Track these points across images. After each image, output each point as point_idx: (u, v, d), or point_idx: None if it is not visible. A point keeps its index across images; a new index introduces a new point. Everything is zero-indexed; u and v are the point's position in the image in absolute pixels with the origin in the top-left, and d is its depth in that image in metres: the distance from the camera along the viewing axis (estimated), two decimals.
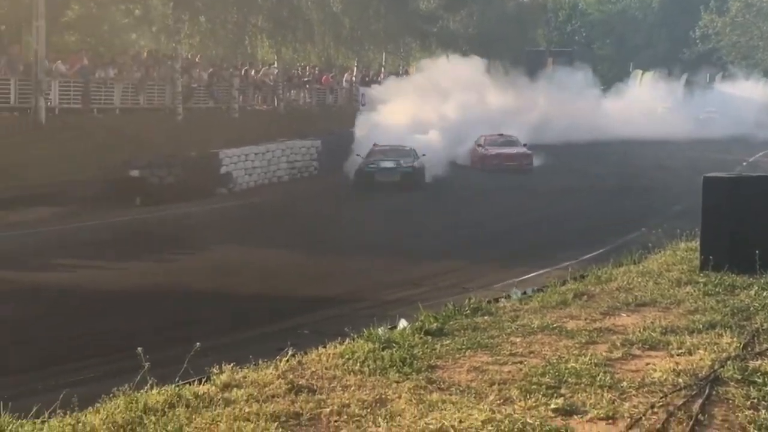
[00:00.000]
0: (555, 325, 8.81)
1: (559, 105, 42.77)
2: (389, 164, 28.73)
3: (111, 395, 6.45)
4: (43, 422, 6.05)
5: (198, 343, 7.07)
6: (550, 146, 35.50)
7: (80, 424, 5.96)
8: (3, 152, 23.20)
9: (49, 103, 27.22)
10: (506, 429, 5.87)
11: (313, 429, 6.00)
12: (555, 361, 7.52)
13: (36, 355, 10.25)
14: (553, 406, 6.37)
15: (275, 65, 39.18)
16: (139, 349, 6.71)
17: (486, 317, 9.35)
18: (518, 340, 8.31)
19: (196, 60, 35.79)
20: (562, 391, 6.73)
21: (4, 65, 27.21)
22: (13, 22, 29.86)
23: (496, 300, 10.72)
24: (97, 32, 33.40)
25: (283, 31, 37.37)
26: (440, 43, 47.47)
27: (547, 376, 7.04)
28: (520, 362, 7.55)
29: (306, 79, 41.46)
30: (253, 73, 38.42)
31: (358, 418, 6.17)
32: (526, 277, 14.80)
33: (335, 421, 6.14)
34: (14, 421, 5.69)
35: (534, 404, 6.42)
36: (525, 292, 11.48)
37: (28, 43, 28.88)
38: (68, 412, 6.23)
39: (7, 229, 20.40)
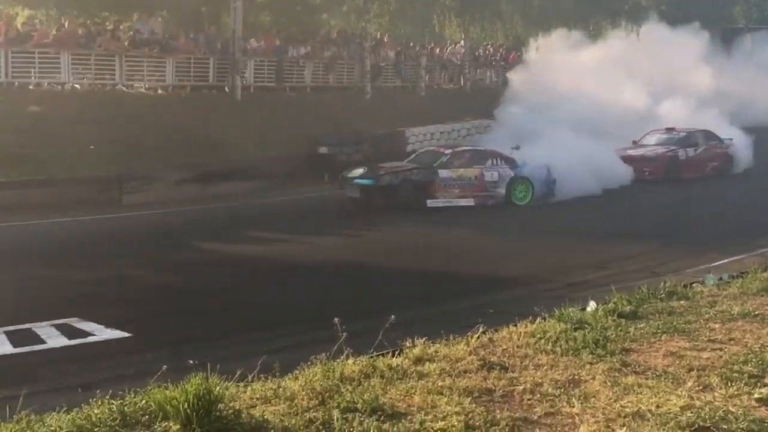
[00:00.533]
0: (757, 313, 8.47)
1: (760, 85, 40.49)
2: (355, 172, 21.67)
3: (309, 363, 6.66)
4: (246, 385, 6.32)
5: (393, 316, 7.20)
6: (752, 129, 33.63)
7: (281, 389, 6.19)
8: (202, 129, 24.38)
9: (244, 82, 28.33)
10: (707, 416, 5.68)
11: (506, 406, 5.99)
12: (758, 349, 7.23)
13: (235, 322, 10.66)
14: (756, 395, 6.13)
15: (462, 44, 39.15)
16: (336, 319, 6.88)
17: (682, 302, 9.09)
18: (717, 326, 8.04)
19: (384, 39, 36.26)
20: (767, 380, 6.46)
21: (203, 44, 28.50)
22: (213, 3, 31.19)
23: (691, 285, 10.38)
24: (291, 12, 34.38)
25: (471, 9, 37.28)
26: (630, 20, 45.91)
27: (750, 365, 6.78)
28: (720, 349, 7.30)
29: (493, 58, 41.19)
30: (438, 51, 38.53)
31: (551, 398, 6.13)
32: (720, 262, 14.19)
33: (528, 400, 6.11)
34: (220, 382, 5.96)
35: (736, 393, 6.19)
36: (721, 278, 11.07)
37: (226, 23, 30.16)
38: (269, 377, 6.47)
39: (206, 202, 21.51)
